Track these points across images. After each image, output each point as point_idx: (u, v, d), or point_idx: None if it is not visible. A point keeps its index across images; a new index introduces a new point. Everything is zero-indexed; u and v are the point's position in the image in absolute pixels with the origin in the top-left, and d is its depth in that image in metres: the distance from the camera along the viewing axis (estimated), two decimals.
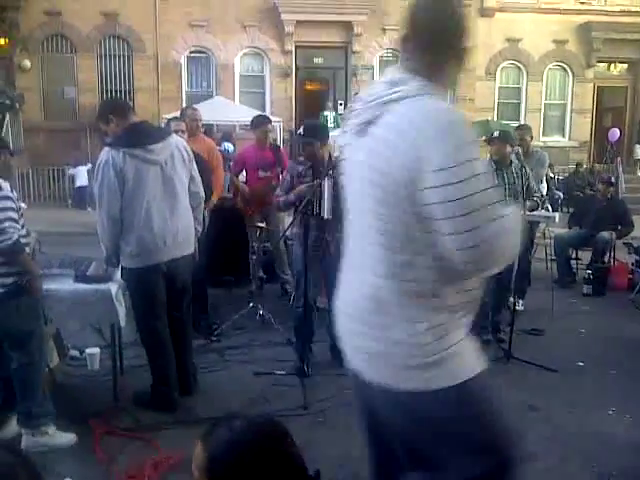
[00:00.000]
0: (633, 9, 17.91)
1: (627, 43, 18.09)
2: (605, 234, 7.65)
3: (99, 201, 3.88)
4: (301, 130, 4.94)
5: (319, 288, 5.02)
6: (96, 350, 4.68)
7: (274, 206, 5.01)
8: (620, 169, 16.12)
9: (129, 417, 3.93)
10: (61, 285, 3.92)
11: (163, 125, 5.50)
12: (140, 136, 3.91)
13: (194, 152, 5.39)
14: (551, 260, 7.80)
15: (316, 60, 17.35)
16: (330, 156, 4.77)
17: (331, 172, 4.54)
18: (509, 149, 5.41)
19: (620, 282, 7.69)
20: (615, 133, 17.27)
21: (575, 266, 8.11)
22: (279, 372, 4.64)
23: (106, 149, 3.87)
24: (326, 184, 4.48)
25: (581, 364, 5.15)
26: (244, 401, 4.16)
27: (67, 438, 3.61)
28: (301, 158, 4.91)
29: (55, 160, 15.07)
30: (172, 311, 4.18)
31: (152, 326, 4.06)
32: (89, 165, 14.54)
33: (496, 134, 5.61)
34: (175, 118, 5.80)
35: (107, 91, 15.94)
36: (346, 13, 16.20)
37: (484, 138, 5.62)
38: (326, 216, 4.51)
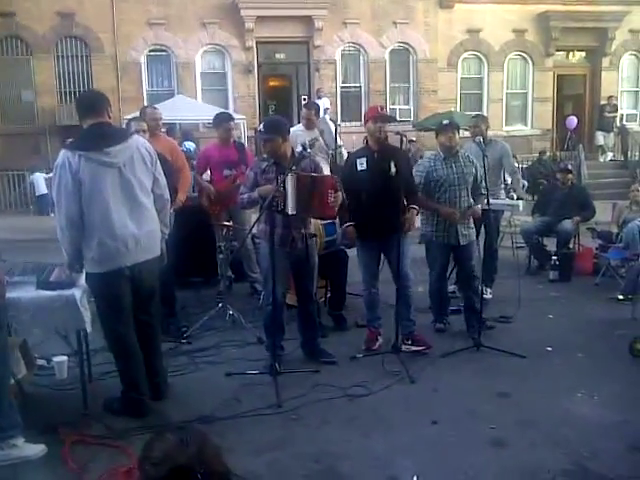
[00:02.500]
0: None
1: (585, 31, 18.38)
2: (567, 225, 7.76)
3: (57, 205, 3.82)
4: (261, 127, 4.92)
5: (288, 285, 4.99)
6: (63, 358, 4.60)
7: (239, 204, 4.97)
8: (582, 156, 16.43)
9: (100, 425, 3.86)
10: (23, 293, 3.83)
11: (124, 126, 5.41)
12: (97, 138, 3.83)
13: (158, 152, 5.33)
14: (517, 248, 7.90)
15: (278, 56, 17.26)
16: (293, 152, 4.74)
17: (294, 167, 4.53)
18: (458, 137, 5.43)
19: (586, 267, 7.81)
20: (572, 121, 17.53)
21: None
22: (251, 372, 4.62)
23: (63, 151, 3.81)
24: (289, 180, 4.46)
25: (549, 349, 5.22)
26: (216, 403, 4.12)
27: (37, 449, 3.53)
28: (264, 155, 4.88)
29: (14, 165, 14.73)
30: (139, 315, 4.11)
31: (118, 331, 3.99)
32: (46, 174, 14.28)
33: (446, 122, 5.64)
34: (136, 118, 5.72)
35: (66, 93, 15.62)
36: (306, 8, 16.15)
37: (435, 128, 5.64)
38: (290, 212, 4.49)
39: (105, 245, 3.82)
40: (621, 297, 6.34)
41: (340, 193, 4.61)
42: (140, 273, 4.01)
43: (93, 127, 3.86)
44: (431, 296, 5.77)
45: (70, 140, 3.88)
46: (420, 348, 5.10)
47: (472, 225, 5.52)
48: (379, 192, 4.88)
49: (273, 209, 4.47)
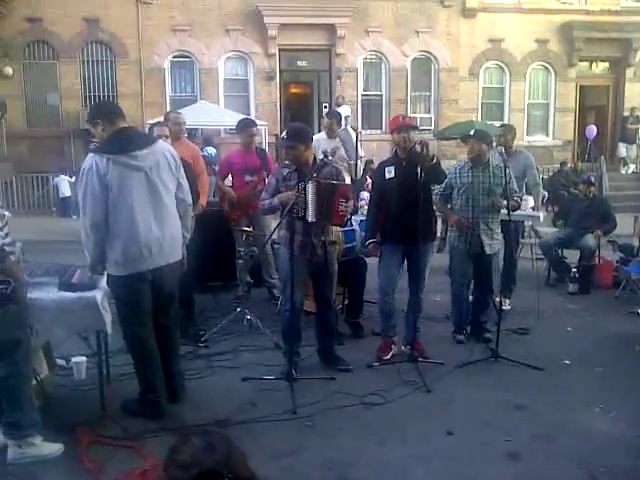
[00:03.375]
0: (613, 8, 18.04)
1: (608, 42, 18.21)
2: (589, 240, 7.69)
3: (83, 208, 3.86)
4: (284, 134, 4.97)
5: (306, 291, 5.02)
6: (82, 359, 4.65)
7: (259, 210, 5.03)
8: (603, 168, 16.26)
9: (116, 426, 3.90)
10: (45, 293, 3.88)
11: (147, 130, 5.47)
12: (125, 142, 3.89)
13: (180, 157, 5.39)
14: (536, 259, 7.85)
15: (300, 63, 17.33)
16: (315, 159, 4.77)
17: (315, 175, 4.56)
18: (485, 147, 5.43)
19: (606, 280, 7.74)
20: (592, 130, 17.38)
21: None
22: (267, 377, 4.63)
23: (90, 155, 3.85)
24: (309, 187, 4.50)
25: (567, 362, 5.18)
26: (232, 407, 4.15)
27: (54, 448, 3.58)
28: (286, 162, 4.92)
29: (39, 167, 14.94)
30: (159, 318, 4.15)
31: (137, 334, 4.03)
32: (70, 177, 14.45)
33: (471, 132, 5.64)
34: (158, 123, 5.78)
35: (90, 97, 15.81)
36: (329, 16, 16.20)
37: (460, 137, 5.66)
38: (310, 219, 4.53)
39: (130, 249, 3.87)
40: None
41: (351, 202, 4.66)
42: (161, 277, 4.06)
43: (120, 132, 3.90)
44: (453, 306, 5.74)
45: (95, 144, 3.92)
46: (422, 359, 5.05)
47: (499, 236, 5.50)
48: (407, 200, 4.89)
49: (294, 216, 4.51)
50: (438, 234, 5.48)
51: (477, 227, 5.42)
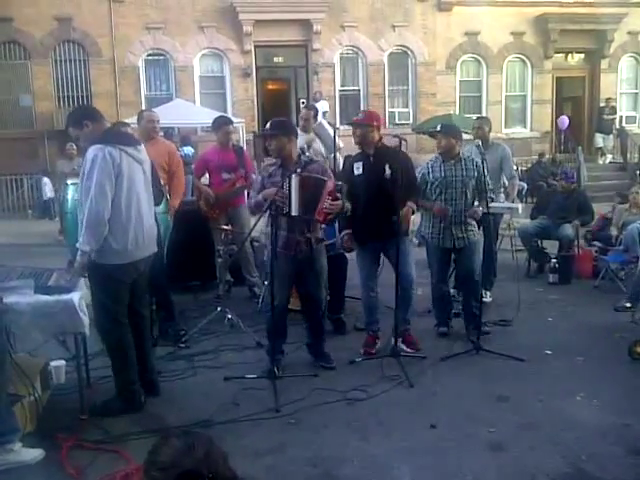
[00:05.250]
0: (586, 0, 18.21)
1: (583, 33, 18.37)
2: (567, 230, 7.75)
3: (95, 197, 3.78)
4: (268, 125, 4.93)
5: (291, 289, 4.98)
6: (61, 363, 4.57)
7: (247, 209, 5.03)
8: (581, 158, 16.42)
9: (98, 429, 3.85)
10: (21, 297, 3.80)
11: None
12: (125, 137, 4.11)
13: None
14: (516, 251, 7.88)
15: (276, 59, 17.26)
16: (299, 154, 4.72)
17: (299, 170, 4.53)
18: (453, 141, 5.42)
19: (585, 270, 7.80)
20: (564, 120, 17.51)
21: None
22: (250, 376, 4.60)
23: (99, 146, 3.84)
24: (293, 181, 4.46)
25: (549, 352, 5.21)
26: (214, 407, 4.11)
27: (34, 454, 3.53)
28: (270, 159, 4.88)
29: (12, 170, 14.72)
30: (138, 308, 4.23)
31: (121, 325, 4.05)
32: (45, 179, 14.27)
33: (439, 127, 5.64)
34: (124, 123, 5.71)
35: (64, 98, 15.61)
36: (304, 11, 16.14)
37: (428, 133, 5.67)
38: (293, 213, 4.50)
39: (137, 237, 3.98)
40: (629, 305, 6.11)
41: (340, 202, 4.60)
42: (145, 266, 4.20)
43: (114, 128, 4.07)
44: (433, 299, 5.76)
45: (99, 138, 3.91)
46: (409, 350, 5.09)
47: (473, 228, 5.50)
48: (375, 195, 4.89)
49: (276, 212, 4.48)
50: (414, 226, 5.46)
51: (450, 221, 5.40)
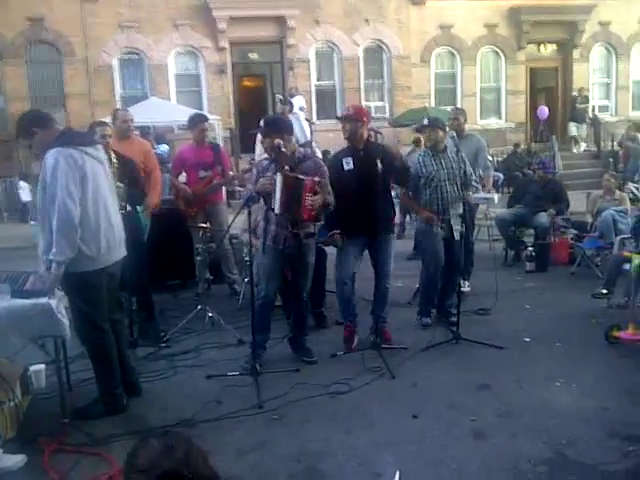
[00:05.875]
0: None
1: (555, 24, 18.54)
2: (542, 218, 7.83)
3: (61, 206, 3.64)
4: (261, 122, 4.95)
5: (280, 283, 4.98)
6: (41, 367, 4.52)
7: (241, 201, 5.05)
8: (556, 147, 16.58)
9: (80, 433, 3.82)
10: None
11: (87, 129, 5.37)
12: (82, 137, 3.94)
13: (125, 157, 5.31)
14: (493, 240, 7.96)
15: (251, 56, 17.20)
16: (294, 152, 4.75)
17: (288, 167, 4.54)
18: (441, 134, 5.47)
19: (562, 257, 7.91)
20: (543, 111, 17.68)
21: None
22: (232, 373, 4.59)
23: (58, 149, 3.69)
24: (278, 180, 4.48)
25: (527, 339, 5.28)
26: (197, 406, 4.10)
27: (16, 459, 3.49)
28: (264, 155, 4.90)
29: None
30: (111, 312, 4.15)
31: (103, 329, 4.00)
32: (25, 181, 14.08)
33: (425, 121, 5.68)
34: (100, 123, 5.62)
35: (37, 99, 15.40)
36: (278, 7, 16.10)
37: (415, 129, 5.72)
38: (276, 211, 4.51)
39: (109, 241, 3.89)
40: (605, 291, 6.17)
41: (319, 196, 4.59)
42: (116, 269, 4.11)
43: (68, 130, 3.94)
44: (424, 290, 5.76)
45: (58, 141, 3.75)
46: (385, 346, 5.07)
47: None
48: (367, 190, 4.89)
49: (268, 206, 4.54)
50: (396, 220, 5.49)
51: (447, 213, 5.45)
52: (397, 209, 5.63)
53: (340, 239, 5.11)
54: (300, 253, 4.75)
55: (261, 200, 4.72)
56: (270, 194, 4.53)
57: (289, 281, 5.09)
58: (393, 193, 5.47)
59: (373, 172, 4.82)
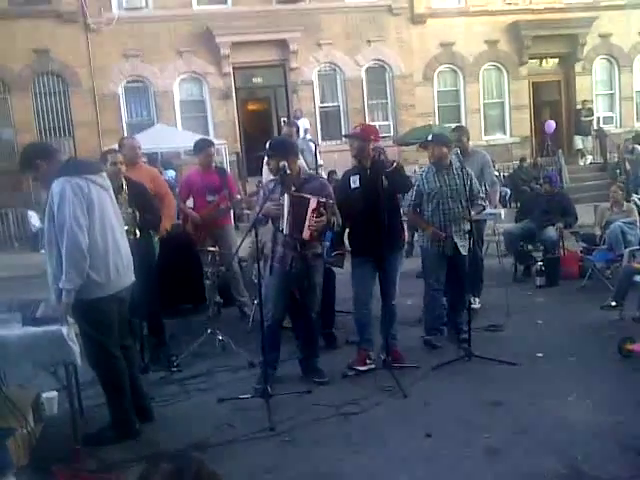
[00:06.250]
0: (557, 6, 18.51)
1: (556, 38, 18.64)
2: (551, 232, 7.82)
3: (69, 235, 3.67)
4: (267, 145, 5.01)
5: (287, 304, 4.98)
6: (53, 394, 4.55)
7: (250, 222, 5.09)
8: (562, 161, 16.58)
9: (93, 459, 3.82)
10: (9, 330, 3.77)
11: (99, 158, 5.42)
12: (87, 166, 3.96)
13: (135, 181, 5.36)
14: (502, 256, 7.94)
15: (255, 80, 17.38)
16: (299, 172, 4.80)
17: (294, 188, 4.58)
18: (445, 150, 5.49)
19: (572, 271, 7.85)
20: (551, 125, 17.72)
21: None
22: (243, 396, 4.58)
23: (64, 178, 3.73)
24: (285, 200, 4.53)
25: (540, 355, 5.23)
26: (209, 429, 4.10)
27: None
28: (271, 176, 4.93)
29: None
30: (121, 338, 4.16)
31: (115, 356, 4.01)
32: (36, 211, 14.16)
33: (430, 137, 5.70)
34: (111, 151, 5.69)
35: (45, 130, 15.62)
36: (280, 31, 16.30)
37: (420, 144, 5.74)
38: (285, 232, 4.55)
39: (118, 267, 3.92)
40: (614, 304, 6.10)
41: (324, 217, 4.61)
42: (126, 295, 4.12)
43: (72, 159, 3.95)
44: (428, 308, 5.74)
45: (61, 170, 3.80)
46: (396, 364, 5.02)
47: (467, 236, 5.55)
48: (373, 208, 4.88)
49: (276, 228, 4.59)
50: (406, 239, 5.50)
51: (449, 230, 5.46)
52: (405, 226, 5.63)
53: (342, 259, 5.13)
54: (307, 274, 4.77)
55: (269, 222, 4.76)
56: (278, 217, 4.56)
57: (298, 301, 5.08)
58: (401, 211, 5.48)
59: (379, 190, 4.83)
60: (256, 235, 4.61)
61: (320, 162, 6.91)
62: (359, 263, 5.12)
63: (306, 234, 4.57)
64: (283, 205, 4.54)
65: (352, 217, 4.94)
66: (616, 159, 17.26)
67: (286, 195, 4.54)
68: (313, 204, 4.56)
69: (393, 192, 4.98)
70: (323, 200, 4.61)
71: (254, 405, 4.43)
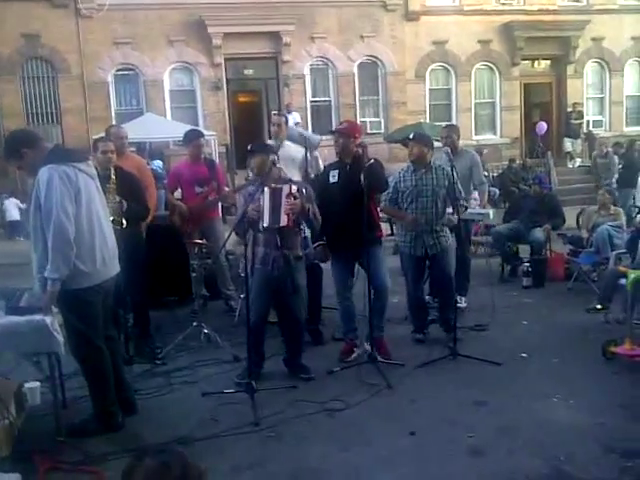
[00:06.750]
0: (551, 8, 18.57)
1: (549, 40, 18.71)
2: (538, 233, 7.85)
3: (59, 219, 3.61)
4: (250, 146, 4.99)
5: (269, 304, 4.97)
6: (36, 384, 4.50)
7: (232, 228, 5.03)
8: (551, 163, 16.65)
9: (75, 451, 3.78)
10: None
11: (90, 146, 5.39)
12: (74, 153, 3.93)
13: (126, 171, 5.32)
14: (489, 256, 7.96)
15: (246, 72, 17.27)
16: (271, 167, 4.74)
17: (273, 185, 4.56)
18: (425, 150, 5.47)
19: (558, 272, 7.90)
20: (542, 126, 17.78)
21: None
22: (228, 390, 4.56)
23: (51, 166, 3.66)
24: (266, 194, 4.52)
25: (524, 355, 5.26)
26: (193, 423, 4.08)
27: (11, 478, 3.45)
28: (249, 178, 4.94)
29: None
30: (105, 329, 4.12)
31: (99, 347, 3.97)
32: (20, 200, 14.00)
33: (411, 136, 5.70)
34: (102, 139, 5.63)
35: (33, 115, 15.46)
36: (273, 23, 16.21)
37: (401, 141, 5.75)
38: (265, 224, 4.52)
39: (104, 256, 3.87)
40: (599, 307, 6.16)
41: (298, 200, 4.60)
42: (111, 285, 4.08)
43: (58, 147, 3.89)
44: (409, 307, 5.80)
45: (49, 157, 3.73)
46: (381, 358, 5.02)
47: (444, 234, 5.54)
48: (350, 204, 4.91)
49: (251, 227, 4.57)
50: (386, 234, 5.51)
51: (421, 229, 5.46)
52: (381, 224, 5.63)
53: (324, 250, 5.14)
54: (290, 275, 4.74)
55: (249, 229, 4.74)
56: (257, 221, 4.57)
57: (282, 303, 5.05)
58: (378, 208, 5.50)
59: (356, 186, 4.83)
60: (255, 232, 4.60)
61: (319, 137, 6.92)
62: (336, 257, 5.23)
63: (283, 219, 4.56)
64: (263, 199, 4.54)
65: (328, 210, 4.93)
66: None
67: (266, 188, 4.54)
68: (286, 190, 4.59)
69: (369, 189, 4.94)
70: (296, 187, 4.63)
71: (239, 400, 4.40)
